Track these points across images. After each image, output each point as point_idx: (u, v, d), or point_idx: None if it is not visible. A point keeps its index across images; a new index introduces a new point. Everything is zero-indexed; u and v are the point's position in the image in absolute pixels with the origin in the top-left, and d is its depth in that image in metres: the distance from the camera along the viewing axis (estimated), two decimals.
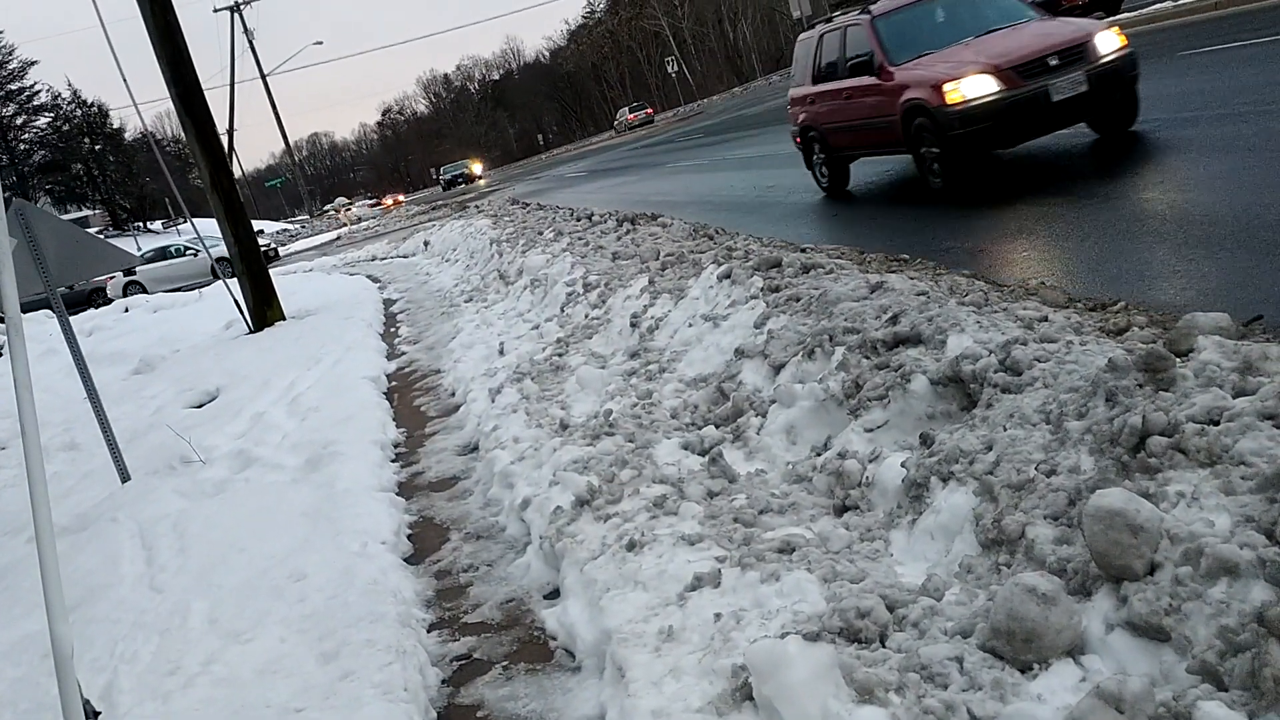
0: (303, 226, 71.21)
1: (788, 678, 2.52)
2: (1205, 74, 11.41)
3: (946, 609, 2.81)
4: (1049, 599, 2.47)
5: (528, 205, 20.33)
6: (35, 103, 72.26)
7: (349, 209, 77.94)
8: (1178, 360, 3.05)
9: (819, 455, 4.15)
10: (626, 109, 77.07)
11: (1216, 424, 2.69)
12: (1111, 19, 20.42)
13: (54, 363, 13.09)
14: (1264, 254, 4.91)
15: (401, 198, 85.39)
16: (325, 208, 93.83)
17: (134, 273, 32.31)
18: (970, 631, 2.64)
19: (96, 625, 4.48)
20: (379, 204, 76.00)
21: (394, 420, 7.58)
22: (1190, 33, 15.76)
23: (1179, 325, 3.44)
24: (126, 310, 21.60)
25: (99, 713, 3.46)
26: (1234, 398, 2.80)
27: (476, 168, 72.99)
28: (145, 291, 30.81)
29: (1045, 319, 4.19)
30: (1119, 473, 2.77)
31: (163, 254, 33.73)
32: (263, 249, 36.77)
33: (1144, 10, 20.50)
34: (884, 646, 2.72)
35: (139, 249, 38.25)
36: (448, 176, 71.03)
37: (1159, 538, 2.43)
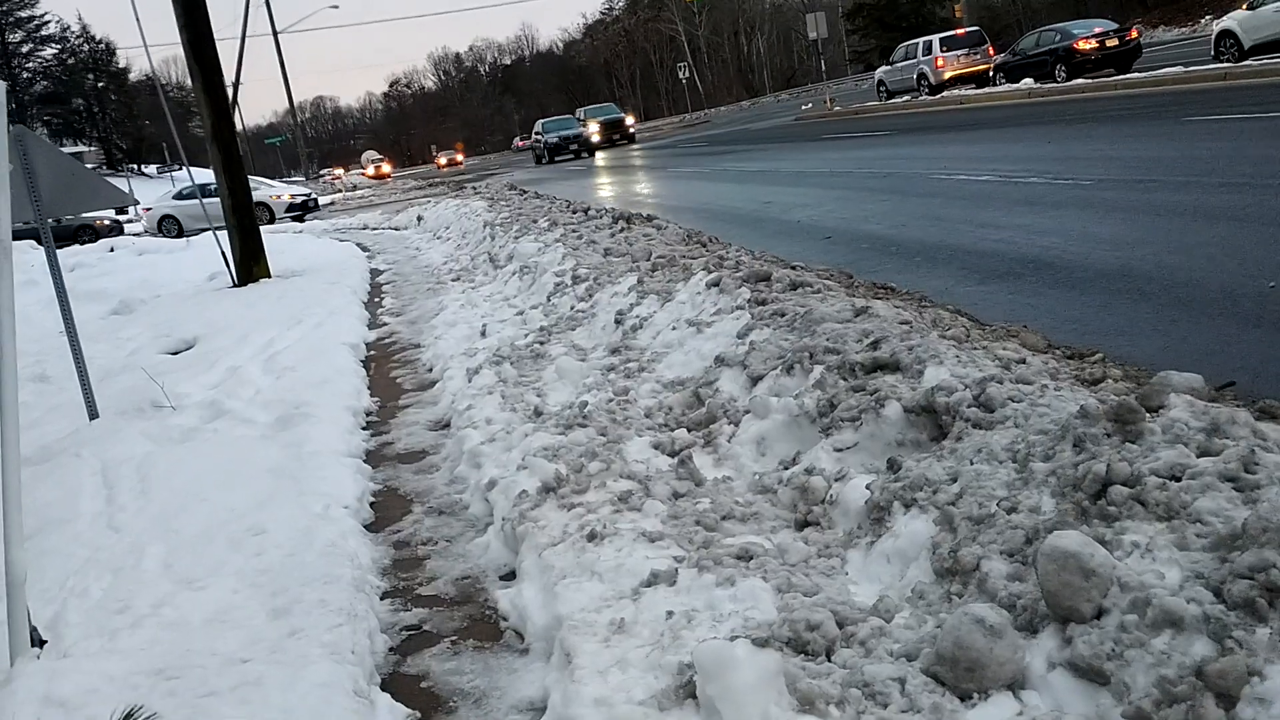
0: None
1: (732, 680, 2.54)
2: (1208, 141, 11.58)
3: (895, 631, 2.85)
4: (995, 631, 2.51)
5: (525, 192, 20.32)
6: (43, 33, 71.85)
7: (381, 165, 75.10)
8: (1148, 415, 3.10)
9: (786, 469, 4.19)
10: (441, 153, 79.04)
11: (1178, 480, 2.75)
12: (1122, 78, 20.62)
13: (32, 294, 12.99)
14: (1244, 323, 4.99)
15: (460, 157, 75.32)
16: (323, 171, 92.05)
17: (126, 211, 31.61)
18: (915, 655, 2.68)
19: (49, 558, 4.46)
20: (430, 163, 69.88)
21: (369, 389, 7.57)
22: (1198, 99, 15.97)
23: (1152, 381, 3.49)
24: (112, 250, 21.46)
25: (45, 641, 3.46)
26: (1198, 457, 2.85)
27: (629, 120, 48.20)
28: (180, 229, 29.99)
29: (1023, 361, 4.24)
30: (1078, 517, 2.82)
31: (202, 191, 32.21)
32: (303, 198, 35.78)
33: (1154, 73, 20.74)
34: (829, 660, 2.75)
35: (130, 190, 37.68)
36: (553, 138, 43.99)
37: (1109, 584, 2.48)
